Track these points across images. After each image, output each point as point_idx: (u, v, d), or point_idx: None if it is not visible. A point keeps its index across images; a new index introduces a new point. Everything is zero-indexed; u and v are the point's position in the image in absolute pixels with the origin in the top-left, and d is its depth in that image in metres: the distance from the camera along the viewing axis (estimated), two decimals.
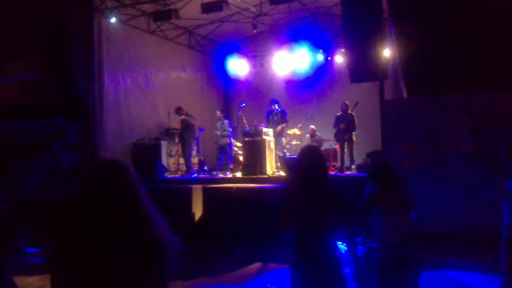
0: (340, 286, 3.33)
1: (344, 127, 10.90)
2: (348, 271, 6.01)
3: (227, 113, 12.36)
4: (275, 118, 11.82)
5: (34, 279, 7.94)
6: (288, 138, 12.56)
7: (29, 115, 11.15)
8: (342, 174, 10.67)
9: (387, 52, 9.56)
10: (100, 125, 11.01)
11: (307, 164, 3.42)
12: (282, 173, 10.79)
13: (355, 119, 11.02)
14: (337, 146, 11.89)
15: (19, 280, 7.72)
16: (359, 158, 11.43)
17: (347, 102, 11.22)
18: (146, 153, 11.52)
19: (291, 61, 13.60)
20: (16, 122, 11.28)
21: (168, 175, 11.72)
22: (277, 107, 11.87)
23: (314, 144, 12.20)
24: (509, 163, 4.83)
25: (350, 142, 11.04)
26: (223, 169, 11.94)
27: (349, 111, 11.09)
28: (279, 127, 11.64)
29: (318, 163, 3.43)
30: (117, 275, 1.92)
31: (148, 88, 12.75)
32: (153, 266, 1.98)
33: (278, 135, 11.63)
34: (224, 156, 12.04)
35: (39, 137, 10.99)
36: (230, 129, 12.15)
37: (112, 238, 1.93)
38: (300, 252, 3.29)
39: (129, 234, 1.95)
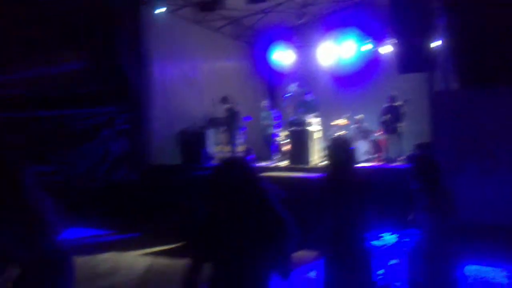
0: (369, 277, 3.43)
1: (391, 118, 10.77)
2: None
3: (272, 103, 12.36)
4: (306, 106, 11.79)
5: (106, 256, 8.29)
6: (334, 128, 12.49)
7: (78, 103, 11.46)
8: (388, 166, 10.55)
9: (437, 42, 9.36)
10: (148, 113, 11.23)
11: (334, 155, 3.51)
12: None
13: (403, 110, 10.85)
14: (383, 137, 11.77)
15: (90, 259, 8.11)
16: (407, 149, 11.26)
17: (394, 94, 11.06)
18: (192, 141, 11.68)
19: (337, 51, 13.48)
20: (66, 110, 11.64)
21: (214, 163, 11.86)
22: (308, 96, 11.83)
23: (363, 134, 12.16)
24: None
25: (397, 133, 10.90)
26: (268, 159, 12.00)
27: (397, 104, 10.95)
28: (311, 116, 11.59)
29: (344, 154, 3.48)
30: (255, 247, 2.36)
31: (194, 78, 12.91)
32: (280, 238, 2.42)
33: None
34: (269, 146, 12.09)
35: (88, 125, 11.31)
36: (274, 120, 12.16)
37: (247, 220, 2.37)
38: (332, 241, 3.41)
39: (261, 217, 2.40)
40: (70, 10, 11.86)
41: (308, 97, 11.87)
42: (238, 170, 2.60)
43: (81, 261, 7.86)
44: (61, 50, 11.90)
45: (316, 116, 11.74)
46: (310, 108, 11.71)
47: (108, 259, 8.10)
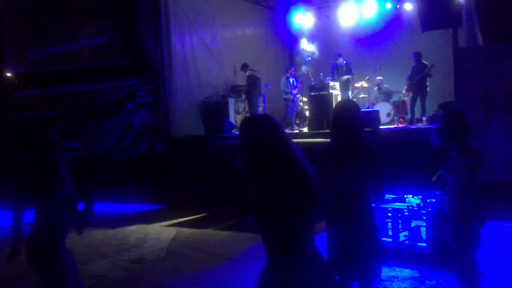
0: (375, 237, 3.39)
1: (419, 77, 10.58)
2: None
3: (290, 69, 12.19)
4: (340, 71, 11.62)
5: (134, 228, 8.55)
6: (355, 91, 12.31)
7: (101, 77, 11.64)
8: (412, 126, 10.40)
9: None
10: (169, 84, 11.28)
11: (341, 118, 3.41)
12: None
13: (429, 71, 10.62)
14: (406, 98, 11.56)
15: (118, 231, 8.39)
16: (430, 109, 11.05)
17: (418, 52, 10.83)
18: (214, 111, 11.74)
19: (358, 11, 13.14)
20: (89, 84, 11.83)
21: (236, 131, 11.91)
22: (341, 60, 11.64)
23: (385, 96, 11.98)
24: None
25: (424, 93, 10.72)
26: (289, 126, 11.94)
27: (423, 62, 10.73)
28: (344, 77, 11.45)
29: (352, 118, 3.38)
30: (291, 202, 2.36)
31: (214, 46, 12.85)
32: (309, 191, 2.44)
33: (343, 89, 11.44)
34: (289, 113, 11.96)
35: (111, 98, 11.50)
36: (294, 86, 11.96)
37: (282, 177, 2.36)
38: (335, 205, 3.37)
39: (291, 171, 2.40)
40: None
41: (341, 61, 11.69)
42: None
43: (110, 234, 8.21)
44: (82, 26, 12.03)
45: (351, 78, 11.64)
46: (344, 71, 11.59)
47: (136, 230, 8.38)
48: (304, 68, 12.30)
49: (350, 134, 3.35)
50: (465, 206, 3.83)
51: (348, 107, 3.52)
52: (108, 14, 11.58)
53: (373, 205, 3.54)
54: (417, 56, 10.81)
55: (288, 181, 2.37)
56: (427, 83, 10.77)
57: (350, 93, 11.77)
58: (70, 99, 12.00)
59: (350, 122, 3.36)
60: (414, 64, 10.87)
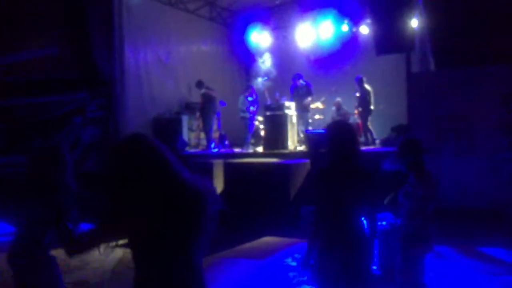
0: (367, 262, 3.29)
1: (359, 102, 10.82)
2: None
3: (249, 88, 12.11)
4: (301, 92, 11.62)
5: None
6: (311, 112, 12.32)
7: (49, 90, 11.14)
8: (365, 149, 10.46)
9: (414, 23, 9.24)
10: (121, 99, 10.92)
11: (338, 140, 3.32)
12: (304, 148, 10.62)
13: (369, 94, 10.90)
14: (360, 120, 11.71)
15: (60, 251, 7.93)
16: (384, 132, 11.17)
17: (361, 76, 11.12)
18: (167, 128, 11.46)
19: (315, 32, 13.26)
20: (36, 97, 11.31)
21: (189, 149, 11.67)
22: (301, 81, 11.65)
23: (342, 118, 12.04)
24: None
25: (366, 116, 11.00)
26: (244, 145, 11.81)
27: (366, 86, 10.95)
28: (308, 100, 11.42)
29: (349, 139, 3.33)
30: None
31: (169, 62, 12.61)
32: (199, 212, 2.19)
33: (303, 110, 11.41)
34: (245, 131, 11.84)
35: (59, 113, 11.01)
36: (252, 104, 11.86)
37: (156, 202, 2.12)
38: (328, 228, 3.27)
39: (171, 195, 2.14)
40: None
41: (301, 82, 11.69)
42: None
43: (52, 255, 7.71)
44: (31, 36, 11.55)
45: (312, 100, 11.69)
46: (304, 92, 11.59)
47: None
48: (260, 87, 12.24)
49: (348, 157, 3.27)
50: (415, 230, 3.85)
51: (345, 129, 3.44)
52: (59, 25, 11.15)
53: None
54: (360, 80, 11.08)
55: (169, 206, 2.14)
56: (371, 107, 10.98)
57: (309, 114, 11.77)
58: (15, 112, 11.41)
59: (348, 145, 3.29)
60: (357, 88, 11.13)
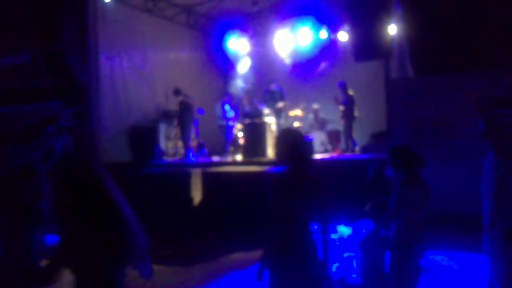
0: (319, 270, 3.23)
1: (344, 108, 10.75)
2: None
3: (226, 95, 11.98)
4: (274, 96, 11.56)
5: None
6: (290, 119, 12.22)
7: (21, 98, 10.85)
8: (345, 157, 10.40)
9: (392, 30, 9.24)
10: (96, 108, 10.71)
11: (287, 147, 3.27)
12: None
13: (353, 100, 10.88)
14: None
15: None
16: (363, 139, 11.14)
17: (343, 81, 11.08)
18: (144, 137, 11.26)
19: (293, 39, 13.20)
20: (7, 106, 10.99)
21: (166, 158, 11.46)
22: (274, 87, 11.60)
23: (319, 125, 12.01)
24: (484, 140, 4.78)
25: (349, 123, 10.95)
26: (223, 153, 11.65)
27: (349, 92, 10.91)
28: (279, 104, 11.35)
29: (298, 147, 3.26)
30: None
31: (146, 70, 12.39)
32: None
33: (277, 114, 11.33)
34: (224, 140, 11.72)
35: (31, 122, 10.71)
36: (230, 111, 11.75)
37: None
38: (280, 237, 3.23)
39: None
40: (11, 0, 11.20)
41: (274, 87, 11.60)
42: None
43: None
44: (3, 42, 11.23)
45: (285, 106, 11.57)
46: (278, 97, 11.47)
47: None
48: (239, 93, 12.14)
49: (298, 165, 3.22)
50: (408, 238, 3.86)
51: (297, 137, 3.36)
52: (31, 31, 10.87)
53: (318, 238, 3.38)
54: (343, 86, 11.05)
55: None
56: (355, 114, 10.93)
57: (282, 120, 11.68)
58: None
59: (296, 152, 3.22)
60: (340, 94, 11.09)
